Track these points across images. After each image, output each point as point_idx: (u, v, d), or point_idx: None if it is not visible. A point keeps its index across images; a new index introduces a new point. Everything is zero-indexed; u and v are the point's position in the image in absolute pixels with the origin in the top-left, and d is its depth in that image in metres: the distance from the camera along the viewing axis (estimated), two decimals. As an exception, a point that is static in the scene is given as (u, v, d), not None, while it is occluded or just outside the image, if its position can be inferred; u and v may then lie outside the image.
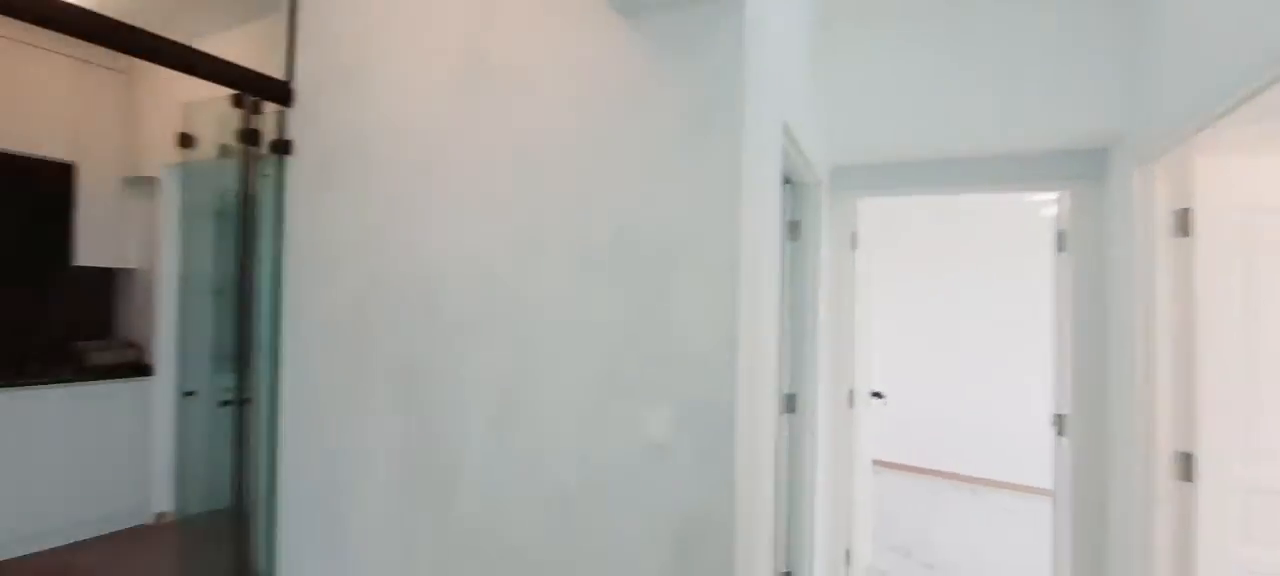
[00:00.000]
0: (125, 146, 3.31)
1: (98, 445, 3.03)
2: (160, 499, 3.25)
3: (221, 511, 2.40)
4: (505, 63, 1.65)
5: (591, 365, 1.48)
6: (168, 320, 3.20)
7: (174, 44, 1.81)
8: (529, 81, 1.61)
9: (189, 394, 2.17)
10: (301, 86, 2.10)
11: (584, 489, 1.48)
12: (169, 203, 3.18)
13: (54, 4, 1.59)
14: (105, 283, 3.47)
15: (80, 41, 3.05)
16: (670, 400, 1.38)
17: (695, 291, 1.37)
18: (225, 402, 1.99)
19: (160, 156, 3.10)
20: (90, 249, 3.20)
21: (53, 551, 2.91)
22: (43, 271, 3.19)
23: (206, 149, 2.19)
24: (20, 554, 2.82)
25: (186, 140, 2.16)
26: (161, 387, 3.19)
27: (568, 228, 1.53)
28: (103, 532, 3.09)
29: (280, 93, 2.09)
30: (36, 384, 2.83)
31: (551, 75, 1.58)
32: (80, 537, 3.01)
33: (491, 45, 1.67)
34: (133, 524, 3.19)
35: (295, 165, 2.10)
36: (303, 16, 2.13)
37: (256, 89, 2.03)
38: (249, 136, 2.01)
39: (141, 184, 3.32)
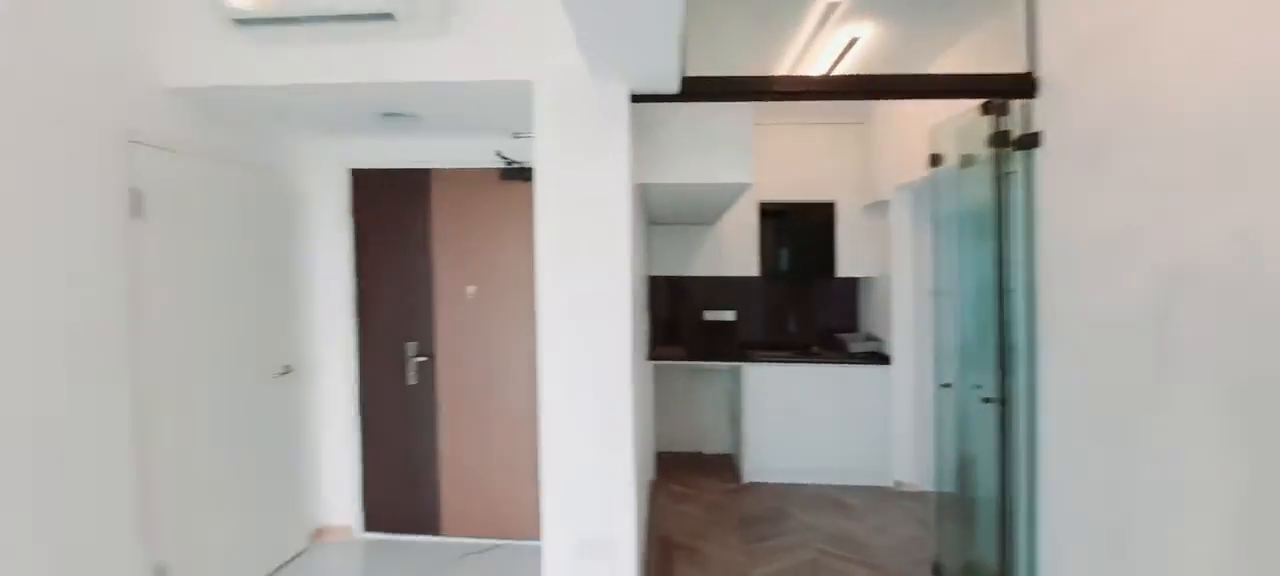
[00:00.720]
0: (863, 181, 4.21)
1: (851, 414, 3.93)
2: (899, 470, 3.89)
3: (956, 496, 2.58)
4: None
5: None
6: (902, 318, 3.81)
7: (928, 77, 2.07)
8: None
9: (945, 386, 2.44)
10: (1048, 73, 1.98)
11: None
12: (899, 220, 3.80)
13: (830, 78, 2.12)
14: (852, 289, 4.52)
15: (834, 112, 4.17)
16: None
17: None
18: (987, 399, 2.09)
19: (891, 182, 3.73)
20: (845, 263, 4.26)
21: (819, 486, 3.98)
22: (818, 280, 4.48)
23: (948, 163, 2.41)
24: (800, 482, 4.01)
25: (935, 160, 2.46)
26: (898, 375, 3.83)
27: None
28: (851, 483, 3.97)
29: (1024, 87, 2.03)
30: (816, 361, 3.97)
31: None
32: (835, 482, 3.98)
33: None
34: (874, 483, 3.94)
35: (1045, 157, 1.99)
36: (1043, 2, 2.00)
37: (1001, 90, 2.06)
38: (999, 139, 2.06)
39: (876, 207, 4.13)
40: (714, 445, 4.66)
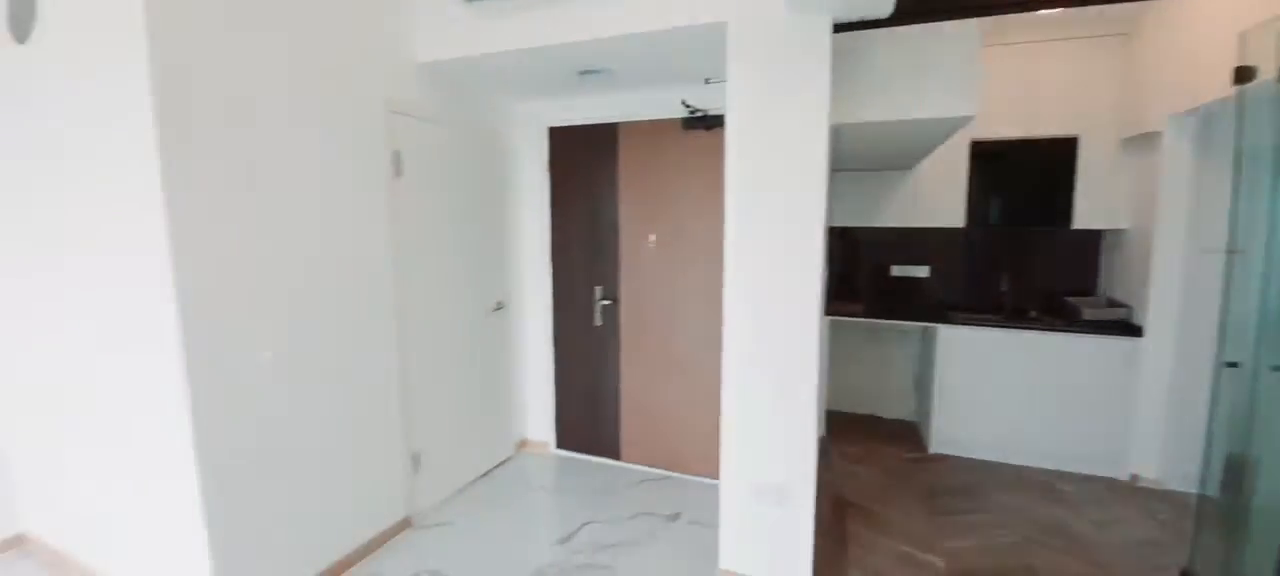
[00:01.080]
0: (1122, 108, 3.38)
1: (1077, 391, 3.32)
2: (1139, 460, 3.23)
3: (1227, 499, 2.06)
4: None
5: None
6: (1166, 281, 3.07)
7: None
8: None
9: (1230, 365, 1.93)
10: None
11: None
12: (1175, 156, 2.99)
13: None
14: (1090, 243, 3.73)
15: (1084, 24, 3.35)
16: None
17: None
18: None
19: (1166, 107, 2.94)
20: (1084, 212, 3.52)
21: (1024, 466, 3.46)
22: (1042, 233, 3.78)
23: (1264, 77, 1.82)
24: (1000, 459, 3.52)
25: (1243, 74, 1.86)
26: (1152, 349, 3.12)
27: None
28: (1066, 469, 3.38)
29: None
30: (1035, 327, 3.39)
31: None
32: (1045, 465, 3.42)
33: None
34: (1104, 474, 3.32)
35: None
36: None
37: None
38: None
39: (1139, 142, 3.31)
40: (893, 410, 4.34)
